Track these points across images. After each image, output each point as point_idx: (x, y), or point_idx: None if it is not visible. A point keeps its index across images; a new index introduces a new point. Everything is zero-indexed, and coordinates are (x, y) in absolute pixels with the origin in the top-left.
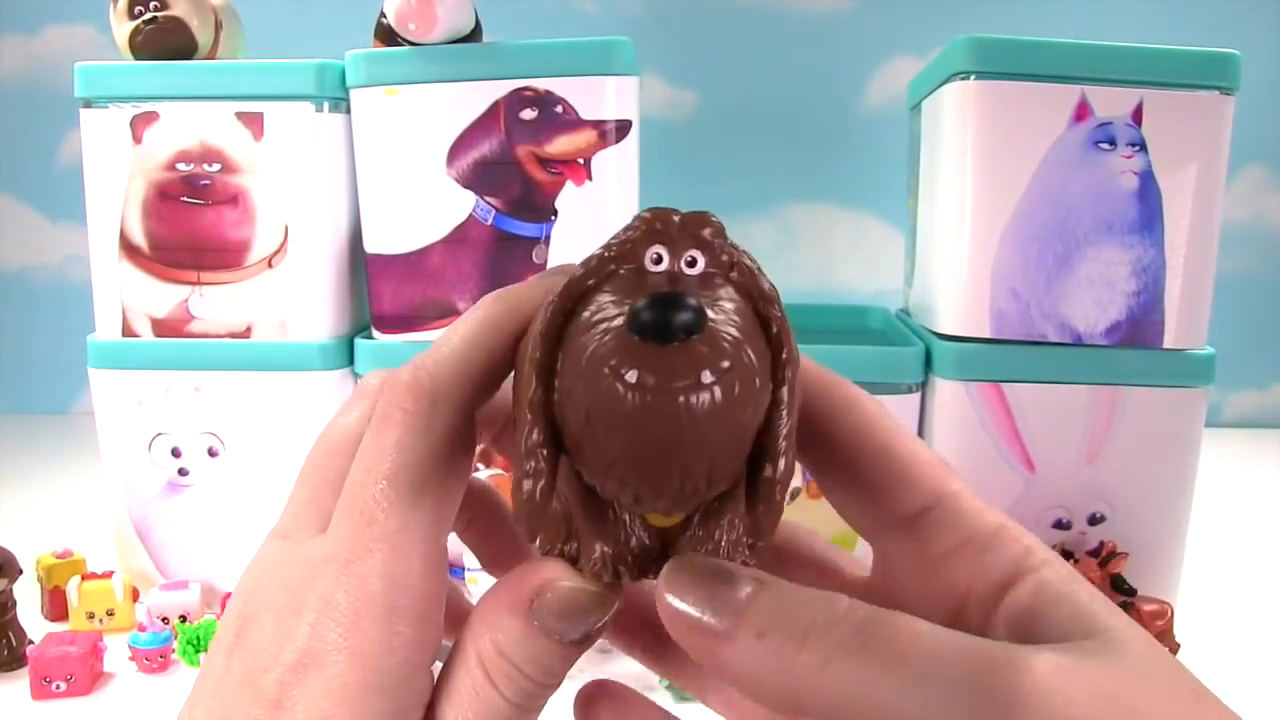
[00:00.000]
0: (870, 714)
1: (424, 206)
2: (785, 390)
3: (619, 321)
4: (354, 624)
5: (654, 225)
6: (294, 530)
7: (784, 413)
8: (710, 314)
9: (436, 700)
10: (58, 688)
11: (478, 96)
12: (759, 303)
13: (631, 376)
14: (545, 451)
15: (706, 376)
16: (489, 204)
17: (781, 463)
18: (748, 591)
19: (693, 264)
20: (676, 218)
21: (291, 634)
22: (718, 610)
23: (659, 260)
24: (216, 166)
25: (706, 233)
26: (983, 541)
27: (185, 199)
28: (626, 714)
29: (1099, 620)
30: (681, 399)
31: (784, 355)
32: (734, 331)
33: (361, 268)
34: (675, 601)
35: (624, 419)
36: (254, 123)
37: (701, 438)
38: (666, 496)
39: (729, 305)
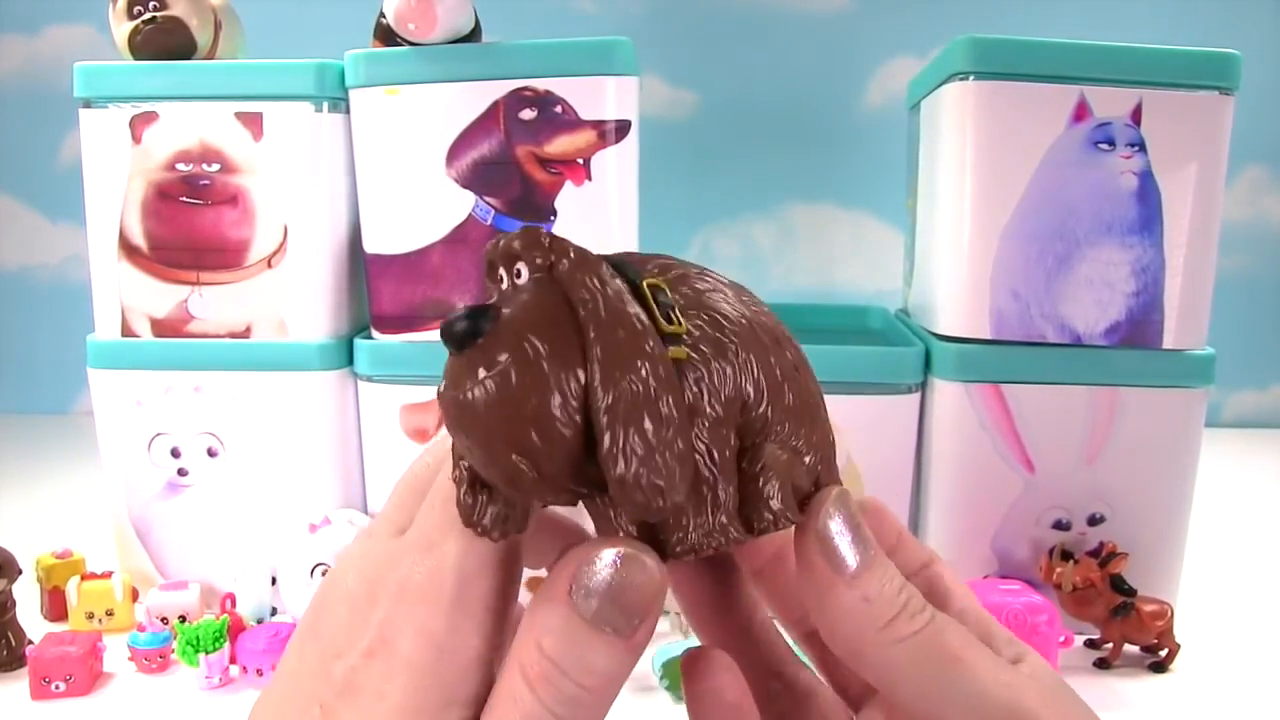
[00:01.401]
0: (915, 694)
1: (423, 206)
2: (596, 366)
3: None
4: (424, 605)
5: (488, 254)
6: (378, 530)
7: (599, 389)
8: (506, 313)
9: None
10: (57, 688)
11: (477, 96)
12: (570, 291)
13: (442, 388)
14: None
15: (481, 373)
16: (488, 204)
17: (606, 439)
18: (869, 555)
19: (519, 275)
20: (502, 241)
21: (365, 621)
22: (843, 561)
23: (501, 280)
24: (216, 166)
25: (516, 245)
26: None
27: (185, 199)
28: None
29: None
30: (464, 396)
31: (590, 335)
32: (522, 326)
33: (361, 268)
34: (819, 535)
35: (451, 425)
36: (253, 123)
37: (490, 428)
38: (514, 486)
39: (530, 302)
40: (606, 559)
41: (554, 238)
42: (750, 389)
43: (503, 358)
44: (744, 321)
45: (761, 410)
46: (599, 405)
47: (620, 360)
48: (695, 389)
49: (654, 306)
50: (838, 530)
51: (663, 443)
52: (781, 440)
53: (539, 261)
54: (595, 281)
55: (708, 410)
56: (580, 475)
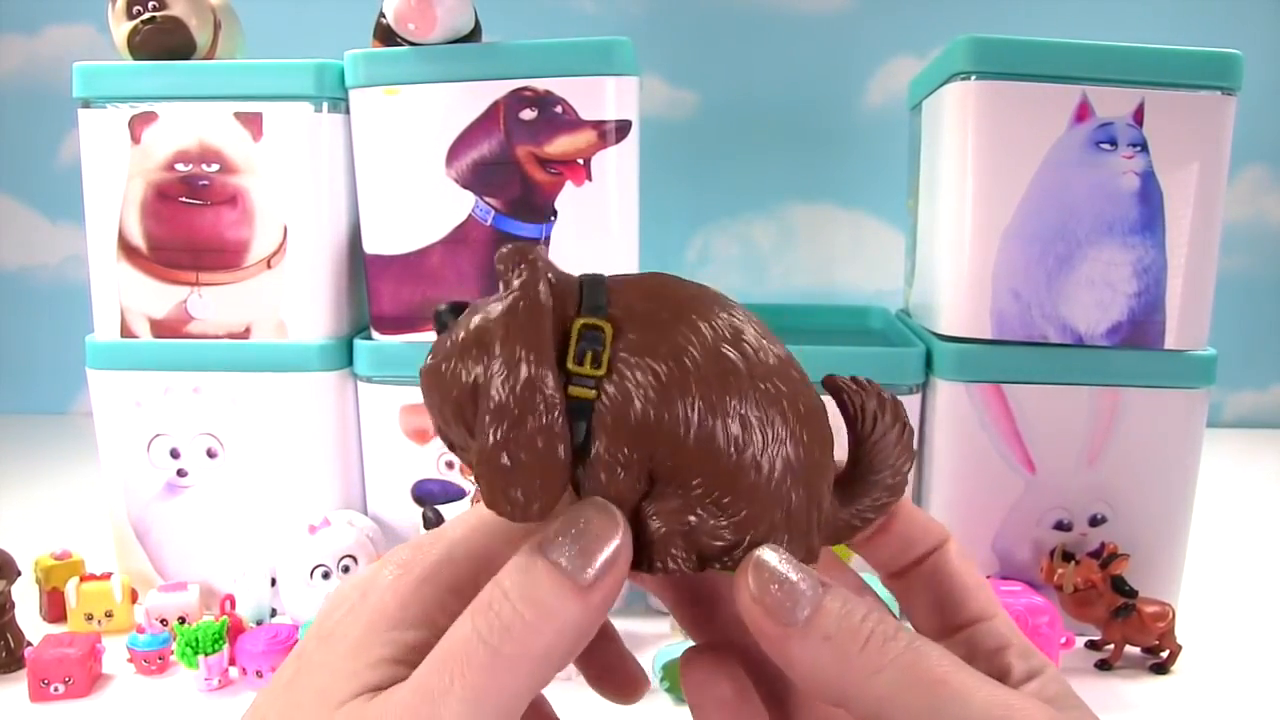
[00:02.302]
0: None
1: (423, 207)
2: (497, 361)
3: None
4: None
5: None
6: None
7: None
8: (466, 313)
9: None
10: (56, 690)
11: (477, 96)
12: (501, 309)
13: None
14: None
15: (428, 357)
16: (488, 204)
17: (480, 431)
18: (818, 595)
19: (509, 284)
20: (501, 249)
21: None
22: (790, 611)
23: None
24: (215, 167)
25: (499, 268)
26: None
27: (184, 199)
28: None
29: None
30: (422, 366)
31: (491, 351)
32: (468, 329)
33: (360, 268)
34: (752, 597)
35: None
36: (253, 123)
37: (426, 398)
38: (451, 450)
39: (487, 309)
40: (575, 506)
41: (524, 256)
42: (658, 441)
43: (440, 354)
44: (693, 376)
45: (670, 463)
46: (478, 420)
47: (500, 388)
48: (592, 428)
49: (572, 346)
50: (765, 587)
51: (515, 464)
52: (694, 498)
53: (502, 275)
54: (519, 308)
55: (598, 449)
56: None
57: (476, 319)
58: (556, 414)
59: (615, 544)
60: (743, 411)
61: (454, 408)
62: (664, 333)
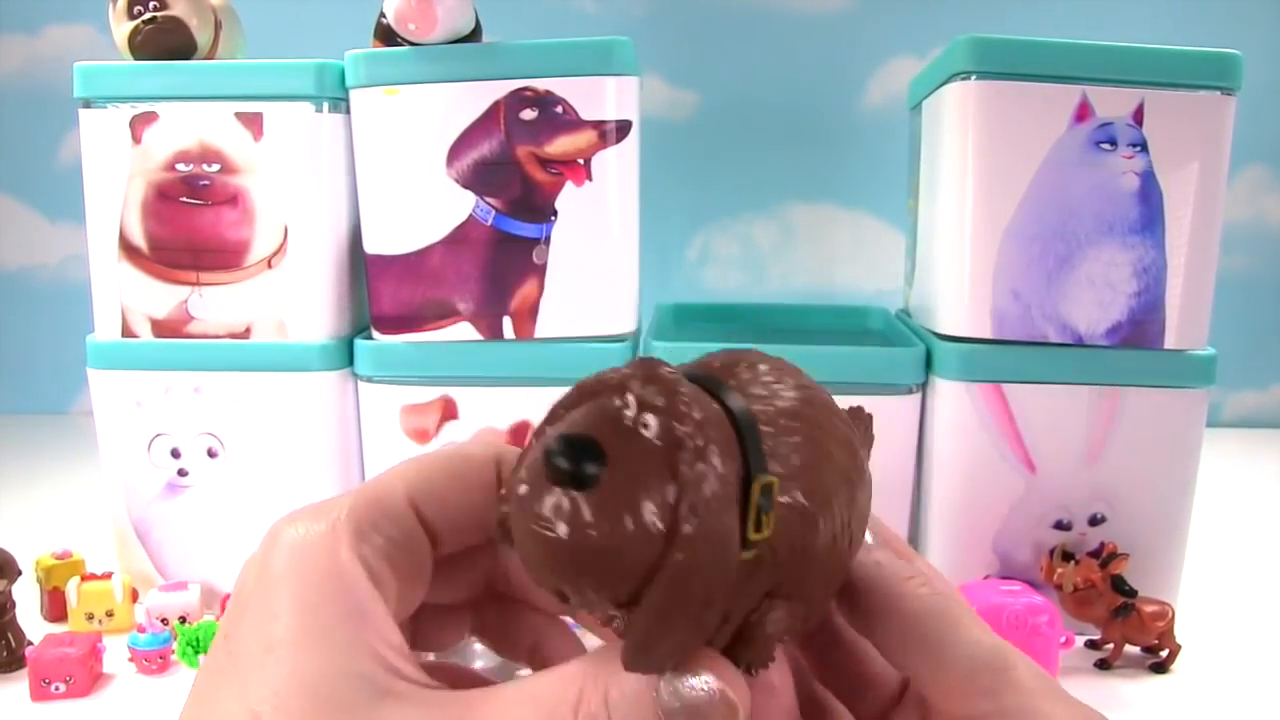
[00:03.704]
0: (924, 650)
1: (424, 207)
2: (663, 571)
3: None
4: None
5: (594, 383)
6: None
7: (653, 589)
8: (611, 471)
9: (516, 694)
10: (57, 689)
11: (478, 96)
12: (680, 480)
13: (523, 495)
14: None
15: (563, 529)
16: (489, 204)
17: (640, 627)
18: (883, 534)
19: (675, 440)
20: (620, 376)
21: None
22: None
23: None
24: (216, 167)
25: (637, 387)
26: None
27: (184, 199)
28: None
29: None
30: (547, 533)
31: (675, 543)
32: (622, 490)
33: (361, 268)
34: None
35: (519, 538)
36: (253, 123)
37: (551, 570)
38: (560, 601)
39: (640, 462)
40: (705, 682)
41: (673, 395)
42: (789, 572)
43: (606, 518)
44: (831, 507)
45: (794, 575)
46: (654, 599)
47: (687, 579)
48: (750, 588)
49: (752, 512)
50: None
51: (677, 637)
52: (800, 598)
53: (656, 422)
54: (707, 486)
55: (743, 599)
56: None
57: (644, 476)
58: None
59: None
60: (847, 520)
61: (617, 578)
62: (814, 471)
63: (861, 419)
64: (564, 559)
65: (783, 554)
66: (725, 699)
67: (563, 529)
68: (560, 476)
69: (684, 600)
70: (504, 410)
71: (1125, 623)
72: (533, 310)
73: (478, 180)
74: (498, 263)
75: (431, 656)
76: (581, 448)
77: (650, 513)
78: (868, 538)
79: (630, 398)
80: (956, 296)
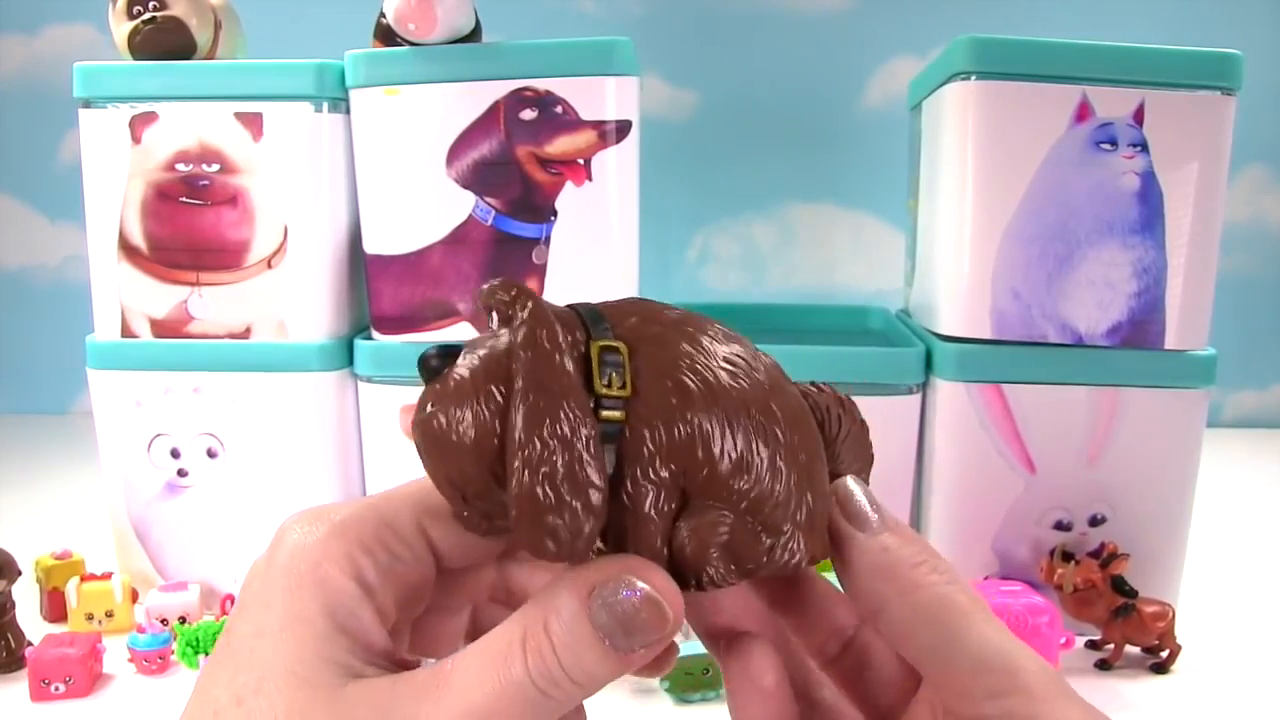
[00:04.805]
0: (930, 645)
1: (424, 207)
2: (513, 423)
3: None
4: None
5: (478, 298)
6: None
7: (511, 445)
8: (462, 359)
9: (473, 650)
10: (56, 689)
11: (478, 97)
12: (513, 346)
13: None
14: None
15: (428, 408)
16: (489, 204)
17: (511, 485)
18: (887, 519)
19: (508, 317)
20: (484, 287)
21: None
22: (866, 518)
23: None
24: (215, 167)
25: (485, 293)
26: None
27: (184, 199)
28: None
29: None
30: (415, 421)
31: (515, 396)
32: (467, 375)
33: (361, 268)
34: (838, 499)
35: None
36: (253, 123)
37: (427, 456)
38: (451, 504)
39: (486, 352)
40: (635, 589)
41: (521, 290)
42: (691, 456)
43: (443, 402)
44: (713, 389)
45: (702, 476)
46: (509, 460)
47: (532, 422)
48: (623, 450)
49: (595, 369)
50: (856, 492)
51: (558, 499)
52: (726, 509)
53: (502, 311)
54: (540, 338)
55: (632, 471)
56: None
57: (485, 356)
58: (592, 441)
59: (664, 634)
60: (760, 419)
61: (472, 454)
62: (676, 350)
63: (826, 398)
64: (426, 446)
65: (665, 427)
66: (651, 600)
67: (417, 418)
68: (424, 375)
69: (538, 440)
70: None
71: (1125, 623)
72: None
73: (478, 180)
74: (497, 263)
75: (431, 661)
76: (446, 350)
77: (481, 380)
78: (871, 518)
79: (488, 305)
80: (956, 296)
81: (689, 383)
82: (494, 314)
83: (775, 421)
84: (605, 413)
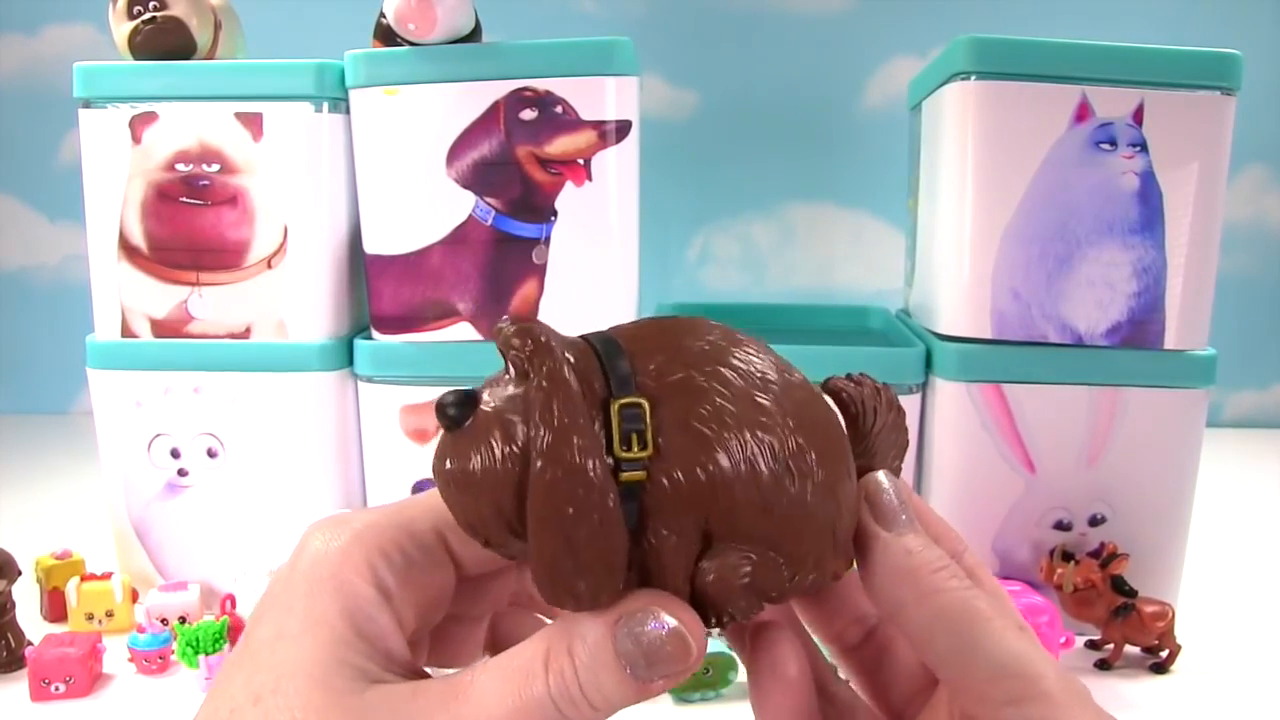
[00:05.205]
0: (948, 649)
1: (424, 207)
2: (531, 495)
3: None
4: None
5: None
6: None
7: (530, 517)
8: (484, 410)
9: (494, 664)
10: (57, 689)
11: (477, 97)
12: (528, 411)
13: (434, 457)
14: None
15: (448, 463)
16: (489, 204)
17: (532, 547)
18: (915, 521)
19: (524, 370)
20: (499, 328)
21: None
22: (893, 518)
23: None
24: (216, 167)
25: (500, 339)
26: None
27: (184, 199)
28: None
29: None
30: (442, 469)
31: (533, 470)
32: (489, 428)
33: (361, 268)
34: (867, 496)
35: (438, 486)
36: (253, 123)
37: (453, 503)
38: (477, 544)
39: (503, 405)
40: (662, 622)
41: (537, 345)
42: (713, 503)
43: (463, 456)
44: (737, 435)
45: (725, 521)
46: (529, 523)
47: (551, 492)
48: (645, 502)
49: (616, 433)
50: (885, 489)
51: (578, 566)
52: (749, 546)
53: (518, 365)
54: (555, 409)
55: (654, 522)
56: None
57: (502, 411)
58: (612, 503)
59: (686, 669)
60: (783, 453)
61: (492, 508)
62: (700, 398)
63: (865, 390)
64: (446, 492)
65: (686, 479)
66: (677, 634)
67: (438, 465)
68: (443, 423)
69: (557, 510)
70: None
71: (1125, 623)
72: (533, 310)
73: (478, 180)
74: (497, 263)
75: (450, 671)
76: (464, 399)
77: (498, 438)
78: (899, 517)
79: (504, 351)
80: (956, 296)
81: (710, 433)
82: (508, 361)
83: (803, 452)
84: (626, 474)
